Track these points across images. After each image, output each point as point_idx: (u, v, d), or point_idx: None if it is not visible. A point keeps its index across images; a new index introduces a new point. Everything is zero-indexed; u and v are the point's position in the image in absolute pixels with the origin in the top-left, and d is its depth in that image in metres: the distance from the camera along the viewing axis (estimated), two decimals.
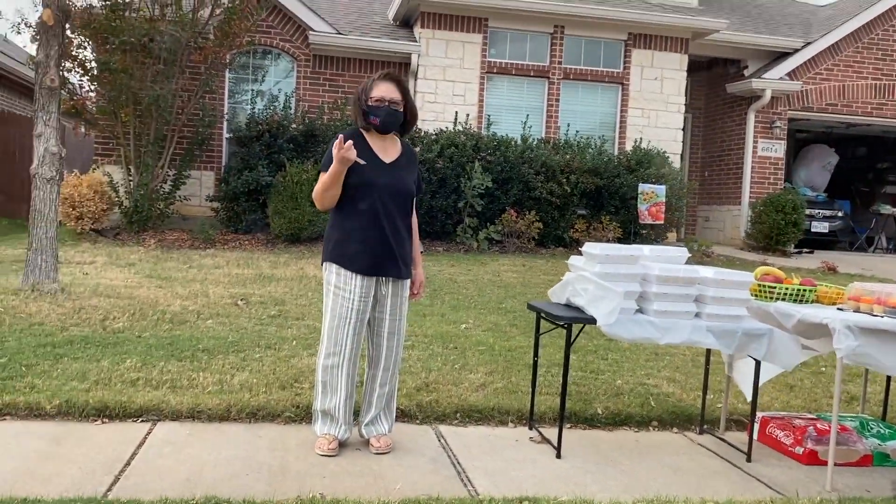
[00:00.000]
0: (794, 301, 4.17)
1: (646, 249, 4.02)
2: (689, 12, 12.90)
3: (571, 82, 12.48)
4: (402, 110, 3.82)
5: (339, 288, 3.70)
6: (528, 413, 4.36)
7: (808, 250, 13.67)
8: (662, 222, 11.08)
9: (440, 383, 4.73)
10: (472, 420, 4.34)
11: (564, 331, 3.95)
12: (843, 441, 4.09)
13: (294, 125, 10.62)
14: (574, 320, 3.82)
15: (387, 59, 12.16)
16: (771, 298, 4.17)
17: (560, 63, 12.35)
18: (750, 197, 13.71)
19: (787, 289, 4.18)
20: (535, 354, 4.37)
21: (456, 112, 11.65)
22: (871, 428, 4.32)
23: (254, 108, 11.05)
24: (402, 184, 3.80)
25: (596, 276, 3.80)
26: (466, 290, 7.75)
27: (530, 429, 4.30)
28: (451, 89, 12.00)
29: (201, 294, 6.76)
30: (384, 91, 3.75)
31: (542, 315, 4.16)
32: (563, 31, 12.33)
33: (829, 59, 13.72)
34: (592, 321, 3.75)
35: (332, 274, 3.74)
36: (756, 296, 4.19)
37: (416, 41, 12.08)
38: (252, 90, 11.78)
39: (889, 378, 4.69)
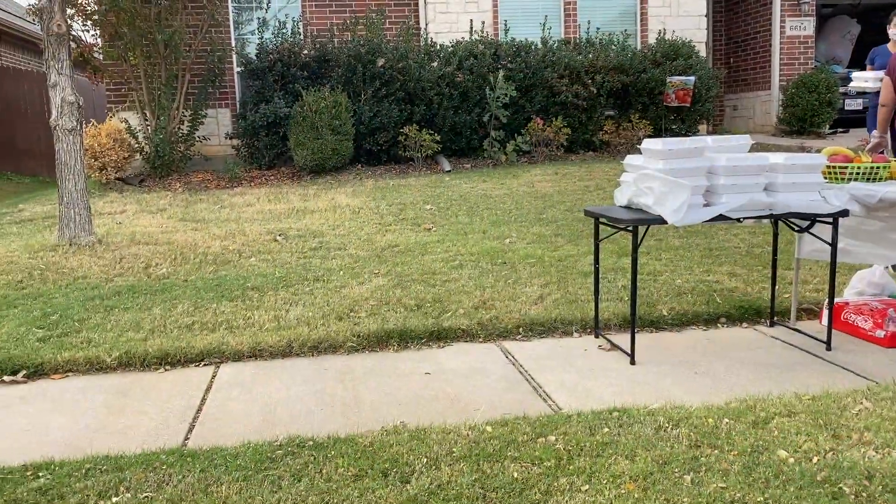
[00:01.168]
0: (868, 180, 3.95)
1: (709, 140, 3.80)
2: None
3: None
4: None
5: None
6: (594, 321, 4.24)
7: (842, 130, 13.21)
8: (689, 105, 10.71)
9: (496, 300, 4.61)
10: (536, 333, 4.24)
11: (618, 236, 3.77)
12: None
13: (305, 52, 10.26)
14: (639, 222, 3.64)
15: None
16: (843, 180, 3.94)
17: None
18: (780, 80, 13.17)
19: (859, 167, 3.94)
20: (596, 261, 4.21)
21: (471, 20, 11.16)
22: None
23: (262, 37, 10.66)
24: None
25: (660, 173, 3.59)
26: (503, 204, 7.56)
27: (596, 337, 4.19)
28: None
29: (238, 233, 6.65)
30: None
31: (602, 220, 3.97)
32: None
33: None
34: (660, 220, 3.57)
35: None
36: (827, 178, 3.97)
37: None
38: (258, 18, 11.35)
39: None
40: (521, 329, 4.25)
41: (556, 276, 5.10)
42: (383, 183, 9.04)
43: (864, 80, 6.36)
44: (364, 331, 4.12)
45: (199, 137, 10.53)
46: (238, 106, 11.03)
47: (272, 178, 9.94)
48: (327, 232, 6.64)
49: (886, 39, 6.44)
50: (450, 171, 9.69)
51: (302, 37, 10.73)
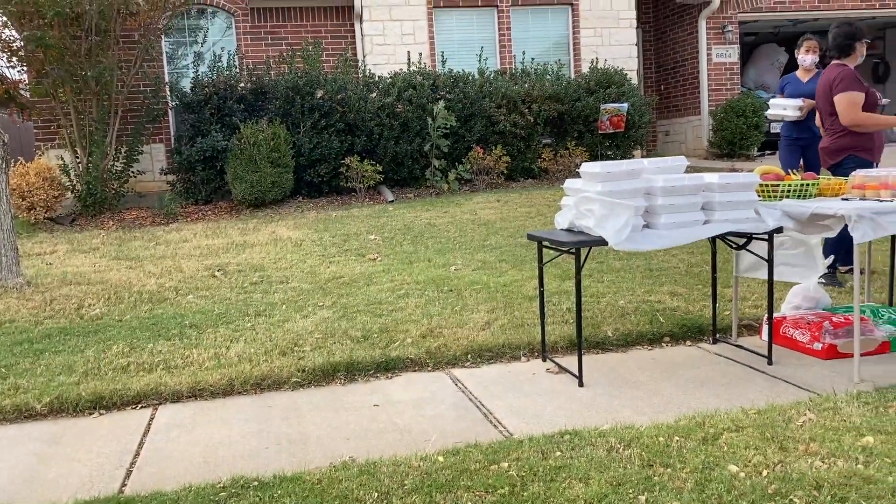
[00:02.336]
0: (798, 197, 4.07)
1: (645, 162, 3.86)
2: None
3: (520, 8, 12.12)
4: None
5: None
6: (541, 345, 4.23)
7: (770, 152, 13.71)
8: (623, 131, 10.97)
9: (444, 327, 4.57)
10: (484, 359, 4.21)
11: (561, 260, 3.80)
12: (860, 331, 4.04)
13: (242, 84, 10.15)
14: (582, 244, 3.66)
15: (329, 4, 11.64)
16: (776, 197, 4.06)
17: None
18: (709, 105, 13.63)
19: (790, 185, 4.07)
20: (541, 285, 4.21)
21: (408, 52, 11.25)
22: (882, 315, 4.29)
23: (197, 71, 10.50)
24: None
25: (599, 195, 3.63)
26: (447, 232, 7.56)
27: (544, 360, 4.19)
28: (399, 29, 11.57)
29: (175, 270, 6.46)
30: None
31: (545, 244, 3.99)
32: None
33: None
34: (602, 242, 3.60)
35: None
36: (760, 196, 4.08)
37: None
38: (192, 53, 11.20)
39: (893, 266, 4.67)
40: (469, 356, 4.22)
41: (503, 301, 5.10)
42: (325, 214, 8.95)
43: (782, 107, 6.25)
44: (309, 365, 4.02)
45: (133, 173, 10.26)
46: (173, 141, 10.82)
47: (210, 213, 9.74)
48: (268, 265, 6.51)
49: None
50: (393, 200, 9.67)
51: (238, 70, 10.63)
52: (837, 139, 5.21)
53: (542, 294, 4.22)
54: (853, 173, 4.05)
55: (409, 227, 7.85)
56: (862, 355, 3.91)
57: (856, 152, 5.13)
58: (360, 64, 11.26)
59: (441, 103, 10.05)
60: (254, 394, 3.86)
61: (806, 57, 6.44)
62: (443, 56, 11.34)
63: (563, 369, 3.99)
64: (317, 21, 11.75)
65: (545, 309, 4.31)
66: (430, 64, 11.45)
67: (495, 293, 5.30)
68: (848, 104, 5.05)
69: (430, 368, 4.11)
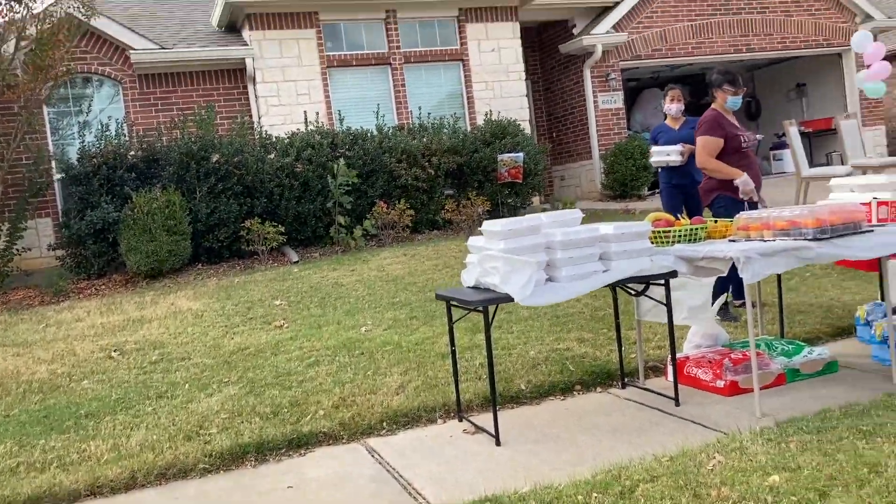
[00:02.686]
0: (689, 241, 4.26)
1: (543, 217, 3.96)
2: None
3: (413, 65, 12.36)
4: None
5: None
6: (456, 405, 4.21)
7: (659, 190, 14.37)
8: (521, 181, 11.26)
9: (357, 395, 4.48)
10: (400, 425, 4.14)
11: (471, 314, 3.83)
12: (758, 365, 4.22)
13: (133, 153, 9.83)
14: (489, 302, 3.69)
15: (220, 67, 11.52)
16: (668, 242, 4.23)
17: (399, 48, 12.19)
18: (599, 149, 14.20)
19: (680, 231, 4.25)
20: (452, 344, 4.21)
21: (305, 112, 11.23)
22: (776, 347, 4.51)
23: (83, 141, 10.12)
24: None
25: (502, 253, 3.68)
26: (356, 291, 7.48)
27: (460, 420, 4.16)
28: (294, 89, 11.55)
29: (68, 353, 6.09)
30: None
31: (453, 303, 4.00)
32: (396, 16, 12.16)
33: (647, 7, 14.38)
34: (508, 299, 3.64)
35: None
36: (654, 242, 4.24)
37: (247, 44, 11.52)
38: (78, 122, 10.80)
39: (781, 300, 4.93)
40: (384, 423, 4.14)
41: (415, 360, 5.05)
42: (227, 281, 8.69)
43: (665, 153, 6.43)
44: (216, 449, 3.84)
45: (17, 251, 9.70)
46: (61, 214, 10.33)
47: (104, 287, 9.29)
48: (168, 341, 6.24)
49: (686, 105, 6.90)
50: (298, 261, 9.51)
51: (128, 138, 10.31)
52: (708, 180, 5.54)
53: (454, 353, 4.21)
54: (737, 215, 4.27)
55: (315, 289, 7.72)
56: (761, 389, 4.08)
57: (724, 192, 5.42)
58: (255, 125, 11.15)
59: (342, 161, 10.05)
60: (159, 485, 3.65)
61: (671, 106, 6.77)
62: (340, 114, 11.38)
63: (479, 429, 3.97)
64: (208, 85, 11.59)
65: (458, 367, 4.30)
66: (328, 122, 11.47)
67: (408, 353, 5.25)
68: (701, 148, 5.41)
69: (344, 440, 4.00)
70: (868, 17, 15.39)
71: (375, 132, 10.91)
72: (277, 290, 7.82)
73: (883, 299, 4.54)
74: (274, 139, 10.49)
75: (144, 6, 13.41)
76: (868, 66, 10.79)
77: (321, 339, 5.82)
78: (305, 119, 11.00)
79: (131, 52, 10.84)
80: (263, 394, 4.63)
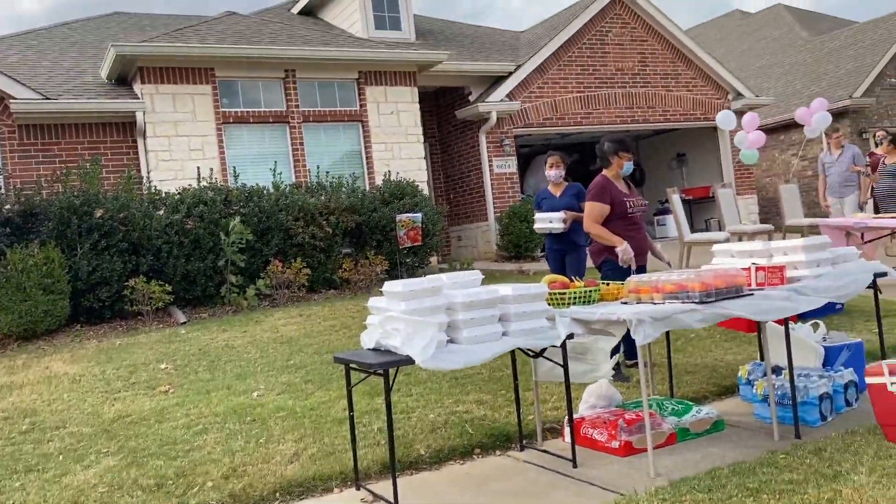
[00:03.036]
0: (584, 303, 4.37)
1: (444, 278, 3.97)
2: (411, 47, 13.43)
3: (312, 125, 12.35)
4: None
5: None
6: (353, 473, 4.07)
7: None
8: (421, 243, 11.34)
9: (248, 464, 4.27)
10: (295, 496, 3.97)
11: (374, 378, 3.75)
12: (650, 425, 4.33)
13: (8, 206, 9.24)
14: (390, 364, 3.63)
15: (108, 119, 11.12)
16: (564, 304, 4.32)
17: (298, 107, 12.18)
18: (495, 212, 14.55)
19: (575, 293, 4.36)
20: (350, 409, 4.11)
21: (198, 168, 10.94)
22: (667, 407, 4.65)
23: None
24: None
25: (404, 314, 3.65)
26: (248, 353, 7.21)
27: (358, 489, 4.03)
28: (186, 144, 11.27)
29: None
30: None
31: (353, 366, 3.91)
32: (295, 75, 12.18)
33: (539, 79, 15.05)
34: (409, 361, 3.59)
35: None
36: (550, 304, 4.32)
37: (138, 98, 11.19)
38: None
39: (670, 360, 5.11)
40: (278, 494, 3.95)
41: (311, 427, 4.88)
42: (108, 343, 8.20)
43: (548, 220, 6.64)
44: None
45: None
46: None
47: None
48: (41, 409, 5.78)
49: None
50: (185, 322, 9.11)
51: (4, 191, 9.70)
52: (595, 243, 5.79)
53: (352, 419, 4.10)
54: (628, 279, 4.42)
55: (204, 352, 7.39)
56: (654, 448, 4.18)
57: (610, 255, 5.66)
58: (145, 180, 10.76)
59: (237, 218, 9.80)
60: None
61: (550, 172, 7.05)
62: (235, 170, 11.14)
63: (378, 497, 3.85)
64: (95, 137, 11.15)
65: (356, 432, 4.18)
66: (222, 178, 11.22)
67: (302, 419, 5.07)
68: (587, 214, 5.69)
69: None
70: (739, 95, 16.73)
71: (272, 189, 10.75)
72: (163, 353, 7.44)
73: (762, 359, 4.79)
74: (164, 195, 10.13)
75: (26, 56, 12.84)
76: (748, 133, 11.74)
77: (210, 404, 5.54)
78: (198, 175, 10.71)
79: (12, 101, 10.31)
80: (146, 464, 4.34)
